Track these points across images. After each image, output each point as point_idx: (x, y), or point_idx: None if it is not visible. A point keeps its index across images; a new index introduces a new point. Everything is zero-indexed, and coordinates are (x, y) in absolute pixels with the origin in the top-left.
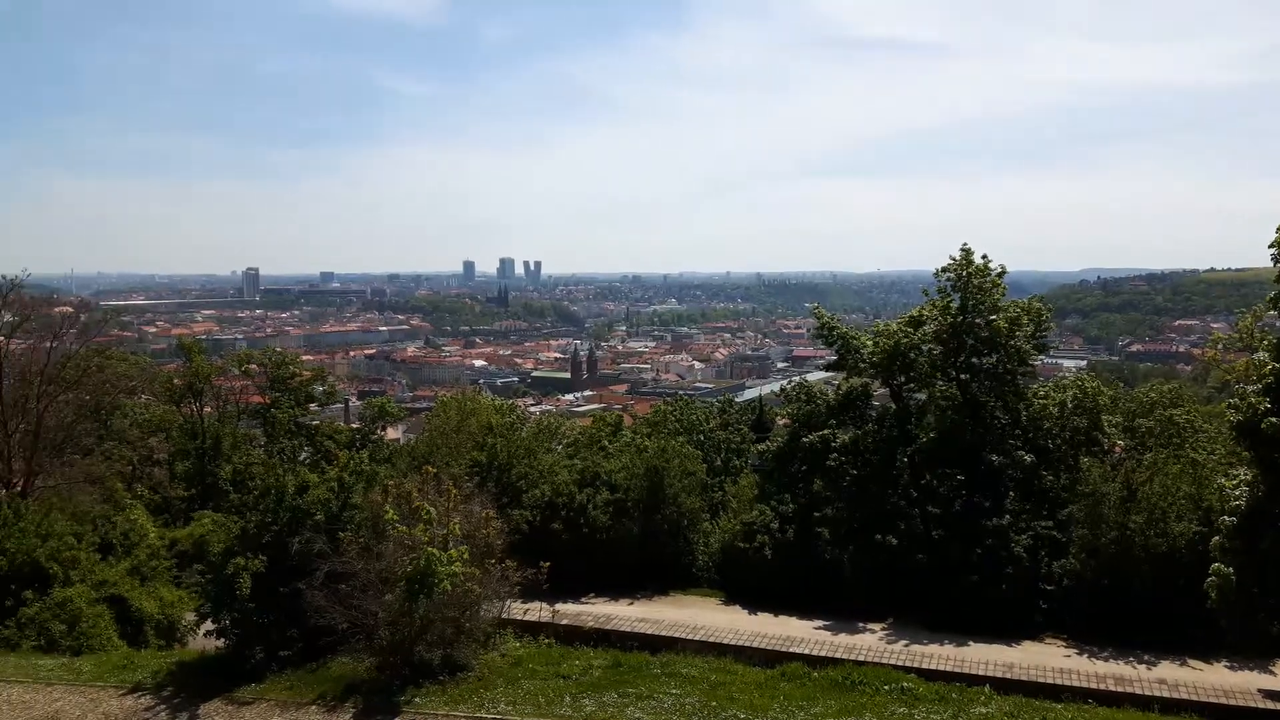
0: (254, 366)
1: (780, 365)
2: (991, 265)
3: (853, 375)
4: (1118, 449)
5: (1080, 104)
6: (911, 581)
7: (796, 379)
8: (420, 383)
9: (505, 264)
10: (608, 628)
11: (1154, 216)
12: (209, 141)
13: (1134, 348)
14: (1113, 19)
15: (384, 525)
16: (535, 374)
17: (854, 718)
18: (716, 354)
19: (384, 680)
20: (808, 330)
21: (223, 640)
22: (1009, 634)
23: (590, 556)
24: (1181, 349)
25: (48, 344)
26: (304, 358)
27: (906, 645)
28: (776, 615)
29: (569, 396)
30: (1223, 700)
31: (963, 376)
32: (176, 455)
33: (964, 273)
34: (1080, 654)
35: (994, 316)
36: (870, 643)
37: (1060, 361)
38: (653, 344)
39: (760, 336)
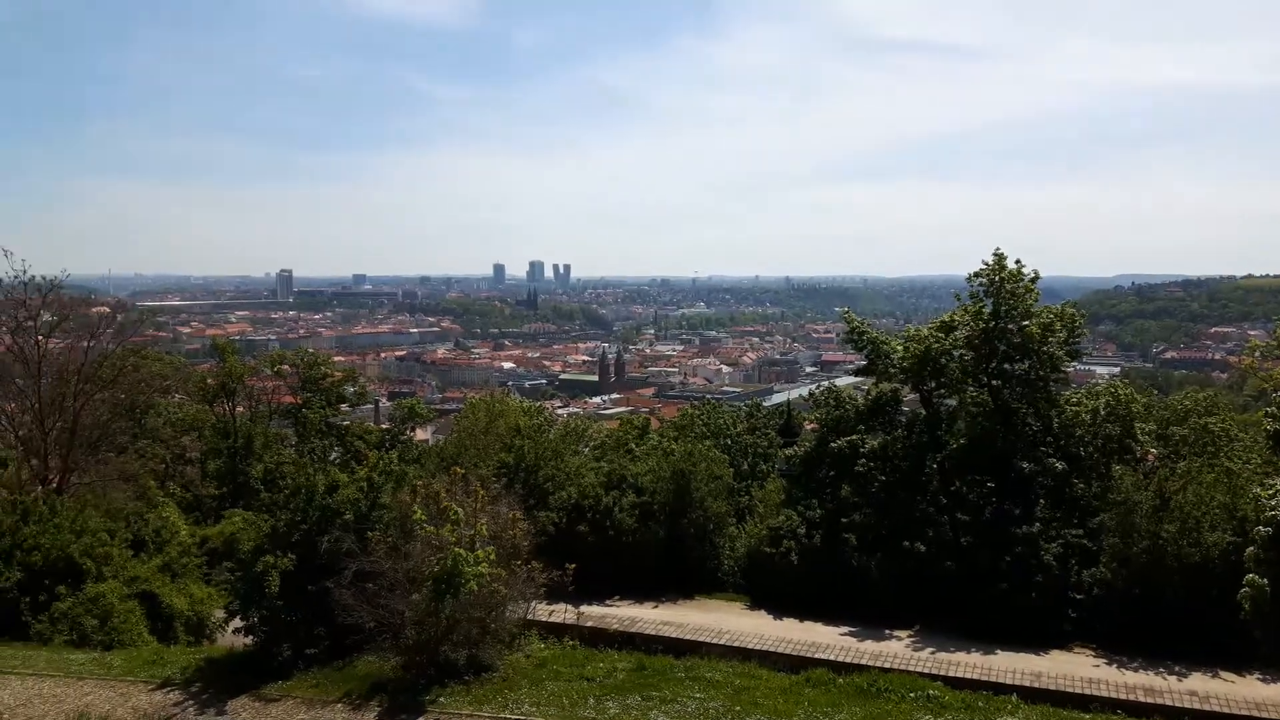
0: (286, 367)
1: (809, 370)
2: (1025, 270)
3: (882, 380)
4: (1151, 457)
5: (1113, 107)
6: (939, 589)
7: (825, 383)
8: (450, 384)
9: (535, 267)
10: (632, 630)
11: (1191, 221)
12: (245, 145)
13: (1169, 355)
14: (1148, 20)
15: (412, 525)
16: (563, 376)
17: None
18: (744, 358)
19: (409, 679)
20: (837, 335)
21: (251, 637)
22: (1037, 643)
23: (616, 559)
24: (1217, 356)
25: (85, 343)
26: (335, 359)
27: (933, 653)
28: (802, 621)
29: (596, 399)
30: (1255, 713)
31: (994, 382)
32: (209, 454)
33: (997, 278)
34: (1109, 664)
35: (1027, 322)
36: (896, 649)
37: (1093, 368)
38: (680, 347)
39: (789, 341)
